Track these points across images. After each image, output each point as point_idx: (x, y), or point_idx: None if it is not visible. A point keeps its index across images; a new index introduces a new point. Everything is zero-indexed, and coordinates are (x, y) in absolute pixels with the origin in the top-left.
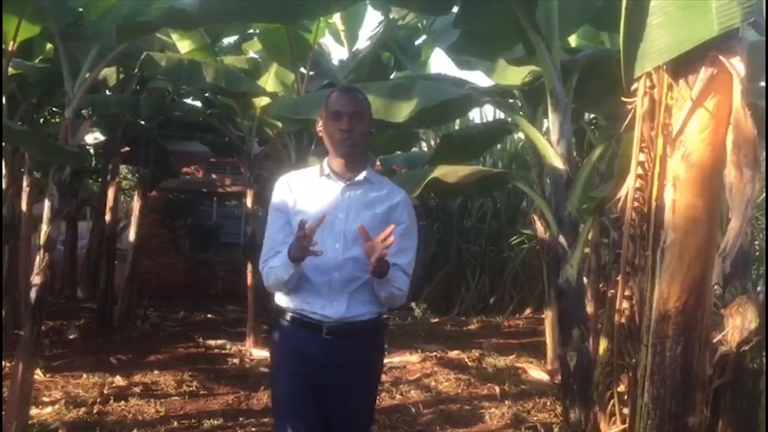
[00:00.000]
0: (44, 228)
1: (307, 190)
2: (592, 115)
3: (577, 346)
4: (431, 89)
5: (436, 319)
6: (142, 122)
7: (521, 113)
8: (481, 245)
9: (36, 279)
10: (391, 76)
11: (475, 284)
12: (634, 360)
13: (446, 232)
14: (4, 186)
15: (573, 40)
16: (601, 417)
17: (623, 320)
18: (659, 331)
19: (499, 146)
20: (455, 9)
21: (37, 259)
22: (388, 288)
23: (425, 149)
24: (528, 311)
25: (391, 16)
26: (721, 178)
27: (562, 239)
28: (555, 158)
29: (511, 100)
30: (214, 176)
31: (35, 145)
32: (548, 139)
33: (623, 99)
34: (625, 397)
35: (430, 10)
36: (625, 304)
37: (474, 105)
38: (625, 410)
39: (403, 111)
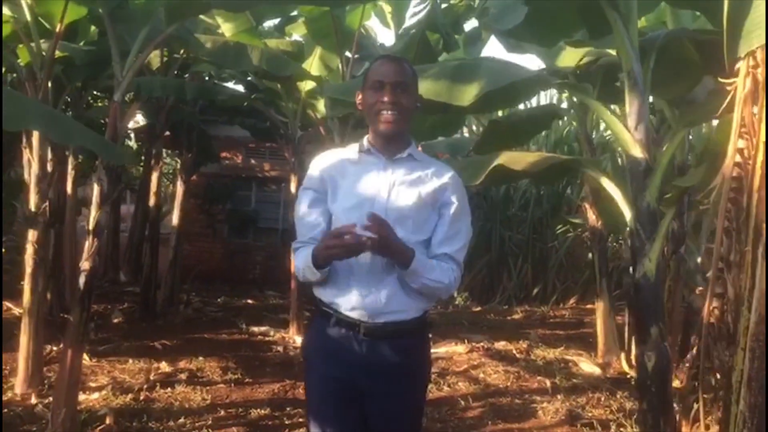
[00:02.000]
0: (93, 213)
1: (345, 166)
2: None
3: (656, 346)
4: (497, 70)
5: (478, 308)
6: (184, 106)
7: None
8: (524, 233)
9: (85, 265)
10: (440, 59)
11: (517, 273)
12: (726, 363)
13: (488, 220)
14: (49, 169)
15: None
16: (683, 422)
17: (713, 320)
18: (759, 333)
19: (543, 132)
20: None
21: (86, 244)
22: (418, 279)
23: (466, 134)
24: (572, 301)
25: None
26: None
27: (640, 231)
28: (633, 145)
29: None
30: (253, 161)
31: (85, 142)
32: (625, 125)
33: (720, 80)
34: (714, 403)
35: None
36: (716, 303)
37: (542, 87)
38: (710, 416)
39: (468, 94)
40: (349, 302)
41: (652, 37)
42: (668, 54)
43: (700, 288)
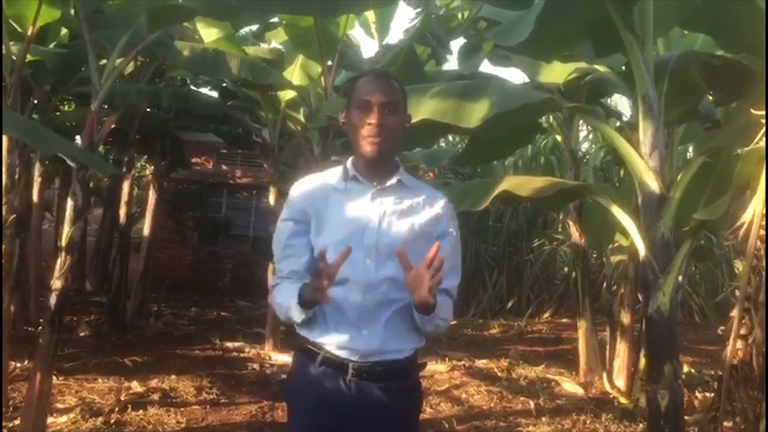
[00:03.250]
0: (66, 229)
1: (329, 195)
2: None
3: (670, 384)
4: (506, 92)
5: (454, 321)
6: (158, 113)
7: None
8: (500, 246)
9: (57, 283)
10: (426, 69)
11: (492, 286)
12: (753, 409)
13: (463, 232)
14: (16, 176)
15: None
16: None
17: (736, 361)
18: None
19: None
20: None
21: (59, 261)
22: (434, 322)
23: (443, 145)
24: (547, 315)
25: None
26: None
27: (653, 263)
28: (646, 173)
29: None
30: (224, 167)
31: (69, 152)
32: (638, 152)
33: (752, 111)
34: None
35: (513, 3)
36: (740, 344)
37: (551, 110)
38: None
39: (475, 116)
40: (338, 341)
41: (663, 59)
42: (677, 76)
43: (722, 328)
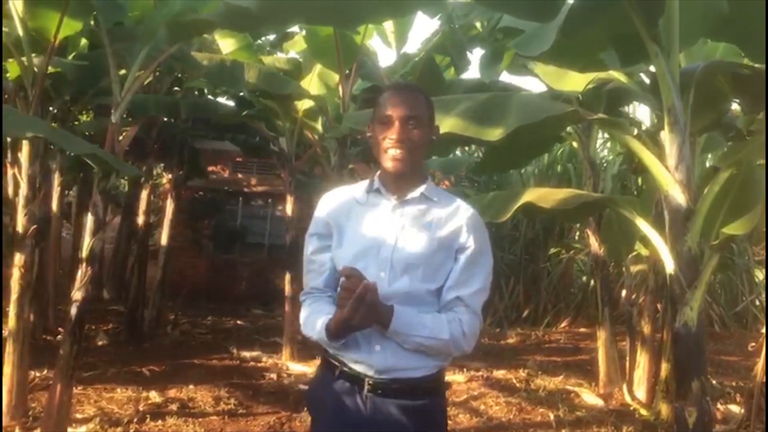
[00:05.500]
0: (87, 240)
1: (351, 208)
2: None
3: (697, 401)
4: (528, 105)
5: None
6: (176, 122)
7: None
8: (516, 254)
9: (77, 294)
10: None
11: (509, 294)
12: None
13: None
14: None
15: None
16: None
17: (766, 378)
18: None
19: None
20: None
21: (79, 273)
22: (408, 339)
23: (459, 154)
24: (564, 324)
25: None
26: None
27: (680, 277)
28: (673, 186)
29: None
30: (240, 176)
31: (96, 161)
32: (664, 164)
33: None
34: None
35: (537, 15)
36: None
37: (573, 122)
38: None
39: (497, 129)
40: (354, 356)
41: (689, 69)
42: (702, 86)
43: (753, 344)
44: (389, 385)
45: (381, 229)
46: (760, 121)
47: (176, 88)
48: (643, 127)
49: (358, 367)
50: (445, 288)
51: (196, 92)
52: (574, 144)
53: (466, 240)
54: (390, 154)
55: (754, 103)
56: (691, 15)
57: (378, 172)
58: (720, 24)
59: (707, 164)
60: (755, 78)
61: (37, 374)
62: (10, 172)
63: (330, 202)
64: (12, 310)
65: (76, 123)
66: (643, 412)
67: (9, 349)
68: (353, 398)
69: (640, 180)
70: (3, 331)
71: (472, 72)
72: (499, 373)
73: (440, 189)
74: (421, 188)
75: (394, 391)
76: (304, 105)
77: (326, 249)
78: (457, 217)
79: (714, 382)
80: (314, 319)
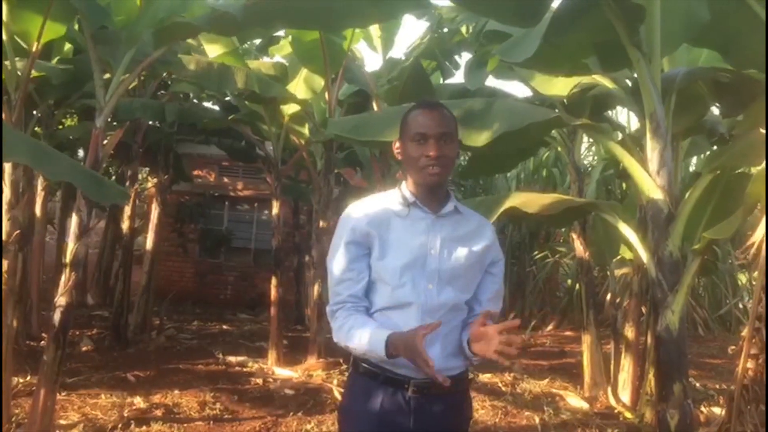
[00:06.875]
0: (71, 245)
1: (390, 220)
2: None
3: (679, 404)
4: (512, 111)
5: None
6: (161, 126)
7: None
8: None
9: (61, 300)
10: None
11: None
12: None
13: None
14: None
15: None
16: None
17: (746, 381)
18: None
19: None
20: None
21: (63, 278)
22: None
23: None
24: (550, 327)
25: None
26: None
27: (662, 281)
28: (654, 190)
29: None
30: (226, 180)
31: (83, 184)
32: (646, 169)
33: (761, 130)
34: None
35: (521, 21)
36: (750, 364)
37: (559, 126)
38: None
39: (482, 135)
40: (399, 361)
41: (670, 75)
42: (683, 92)
43: (733, 347)
44: (432, 383)
45: (424, 242)
46: (741, 124)
47: (162, 92)
48: (628, 132)
49: (403, 371)
50: (483, 299)
51: (181, 96)
52: (560, 149)
53: (497, 254)
54: (428, 171)
55: (732, 106)
56: (672, 22)
57: (403, 185)
58: (701, 31)
59: (691, 169)
60: (734, 83)
61: (21, 380)
62: None
63: (367, 213)
64: None
65: (60, 127)
66: (628, 415)
67: None
68: (396, 401)
69: (624, 185)
70: None
71: (459, 77)
72: (485, 377)
73: (461, 202)
74: (453, 202)
75: (435, 389)
76: (290, 109)
77: (364, 258)
78: (485, 231)
79: (697, 384)
80: (360, 333)
